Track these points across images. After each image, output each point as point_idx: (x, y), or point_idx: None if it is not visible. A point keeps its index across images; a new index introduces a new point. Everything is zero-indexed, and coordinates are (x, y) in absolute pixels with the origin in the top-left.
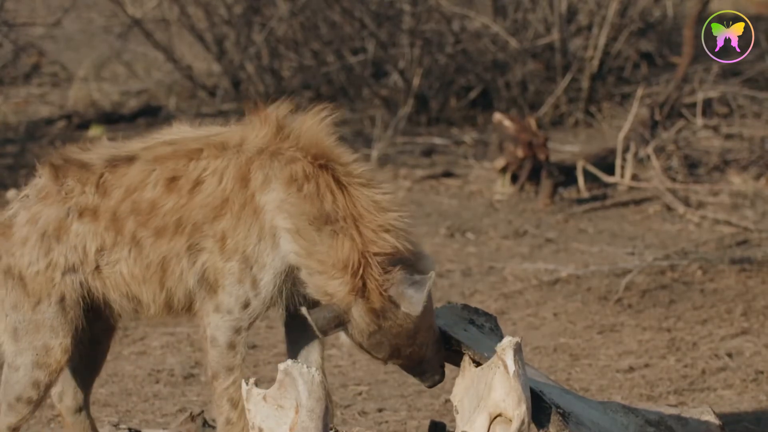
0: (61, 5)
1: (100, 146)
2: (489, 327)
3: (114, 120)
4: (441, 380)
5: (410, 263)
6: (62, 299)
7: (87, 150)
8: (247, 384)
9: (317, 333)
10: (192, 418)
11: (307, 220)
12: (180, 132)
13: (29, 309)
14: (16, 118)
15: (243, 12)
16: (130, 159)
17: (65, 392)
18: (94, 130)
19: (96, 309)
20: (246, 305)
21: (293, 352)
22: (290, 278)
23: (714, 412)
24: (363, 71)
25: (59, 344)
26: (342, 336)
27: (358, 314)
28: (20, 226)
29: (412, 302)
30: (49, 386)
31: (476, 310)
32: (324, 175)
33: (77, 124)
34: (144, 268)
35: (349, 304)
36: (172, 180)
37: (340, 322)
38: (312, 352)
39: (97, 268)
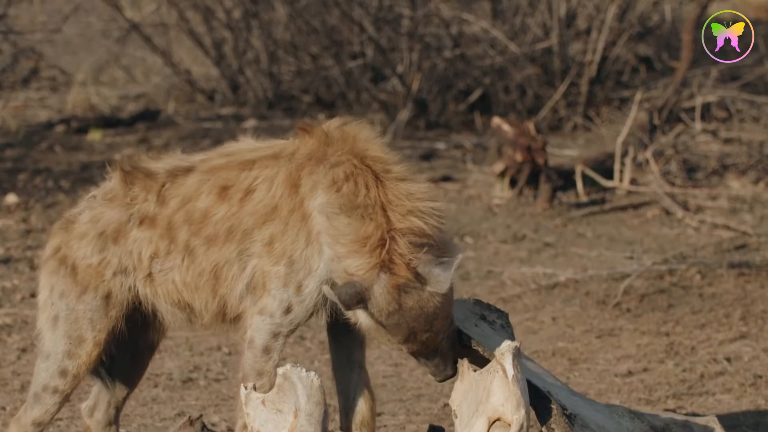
0: (60, 10)
1: (168, 156)
2: (500, 324)
3: (113, 124)
4: (453, 375)
5: (437, 248)
6: (108, 296)
7: (156, 159)
8: (246, 388)
9: (341, 307)
10: (190, 422)
11: (339, 208)
12: (239, 144)
13: (75, 297)
14: (14, 122)
15: (241, 16)
16: (188, 170)
17: (97, 407)
18: (93, 135)
19: (143, 321)
20: (288, 310)
21: (336, 350)
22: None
23: (719, 423)
24: (362, 75)
25: (93, 337)
26: (362, 317)
27: (380, 291)
28: (82, 223)
29: (439, 280)
30: (75, 379)
31: (488, 306)
32: (363, 174)
33: (76, 128)
34: (197, 276)
35: (372, 280)
36: (224, 189)
37: (362, 298)
38: (354, 351)
39: (150, 275)
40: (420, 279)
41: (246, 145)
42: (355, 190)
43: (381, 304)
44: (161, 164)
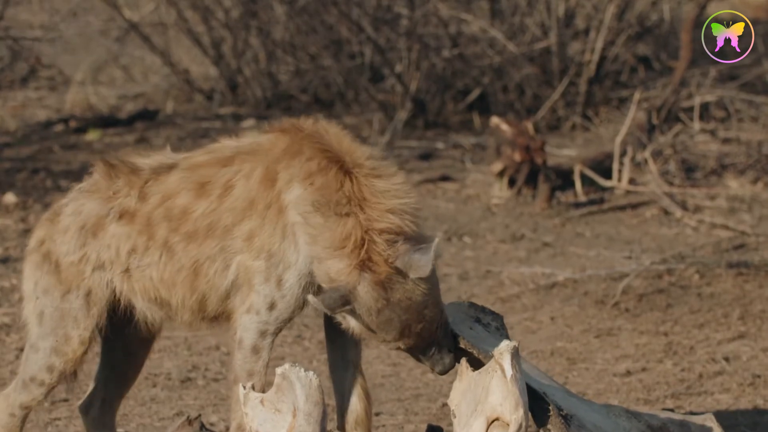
0: (59, 9)
1: (156, 154)
2: (495, 326)
3: (111, 124)
4: (452, 366)
5: (414, 239)
6: (89, 293)
7: (144, 156)
8: (244, 388)
9: (326, 312)
10: (189, 421)
11: (313, 208)
12: (221, 143)
13: (59, 296)
14: (13, 121)
15: (240, 16)
16: (171, 167)
17: (92, 404)
18: (92, 134)
19: (134, 319)
20: (272, 306)
21: (332, 350)
22: (316, 281)
23: (716, 420)
24: (360, 75)
25: (78, 335)
26: (351, 321)
27: (365, 290)
28: (66, 216)
29: (420, 265)
30: (63, 373)
31: (483, 309)
32: (335, 167)
33: (74, 128)
34: (175, 273)
35: (355, 282)
36: (202, 186)
37: (347, 300)
38: (349, 350)
39: (127, 270)
40: (401, 272)
41: (228, 142)
42: (327, 183)
43: (369, 303)
44: (148, 161)
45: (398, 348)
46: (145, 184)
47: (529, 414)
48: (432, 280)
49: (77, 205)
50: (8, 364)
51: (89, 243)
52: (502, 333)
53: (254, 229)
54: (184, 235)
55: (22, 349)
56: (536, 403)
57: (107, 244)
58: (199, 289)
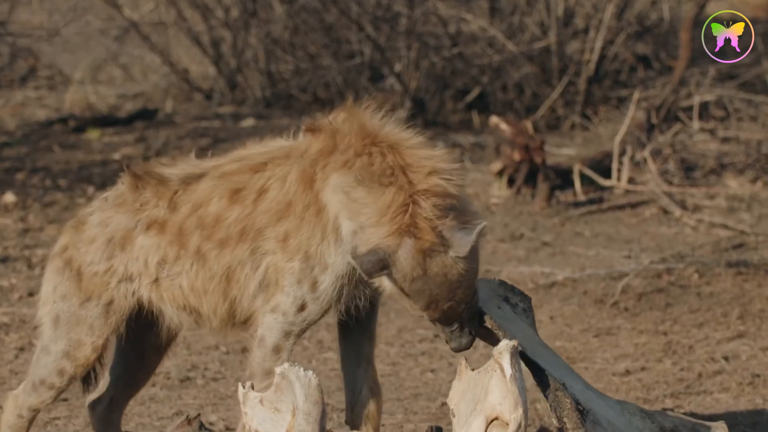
0: (59, 9)
1: (182, 162)
2: (522, 307)
3: (110, 123)
4: (467, 347)
5: (461, 212)
6: (110, 303)
7: (170, 165)
8: (243, 387)
9: (363, 276)
10: (188, 421)
11: (356, 181)
12: (249, 149)
13: (77, 303)
14: (12, 121)
15: (240, 15)
16: (200, 176)
17: (101, 401)
18: (91, 133)
19: (150, 322)
20: (302, 308)
21: (345, 345)
22: (351, 281)
23: (727, 429)
24: (360, 74)
25: (91, 342)
26: (385, 282)
27: (405, 256)
28: (92, 226)
29: (461, 243)
30: (73, 378)
31: (512, 288)
32: (373, 147)
33: (74, 127)
34: (207, 280)
35: (396, 246)
36: (236, 192)
37: (385, 265)
38: (364, 346)
39: (156, 280)
40: (444, 243)
41: (257, 148)
42: (369, 161)
43: (405, 270)
44: (175, 170)
45: (421, 316)
46: (175, 195)
47: (529, 412)
48: (471, 263)
49: (104, 216)
50: (8, 363)
51: (117, 255)
52: (529, 315)
53: (290, 231)
54: (217, 243)
55: (21, 349)
56: (554, 393)
57: (135, 257)
58: (231, 295)
